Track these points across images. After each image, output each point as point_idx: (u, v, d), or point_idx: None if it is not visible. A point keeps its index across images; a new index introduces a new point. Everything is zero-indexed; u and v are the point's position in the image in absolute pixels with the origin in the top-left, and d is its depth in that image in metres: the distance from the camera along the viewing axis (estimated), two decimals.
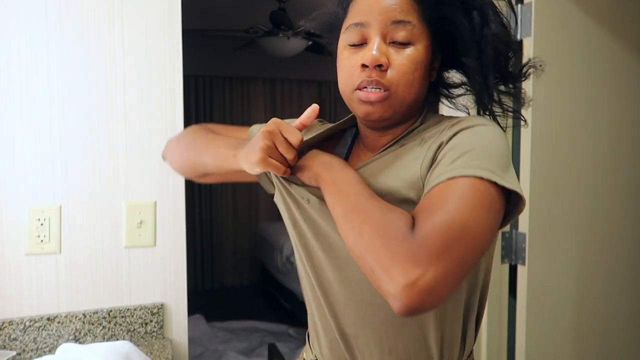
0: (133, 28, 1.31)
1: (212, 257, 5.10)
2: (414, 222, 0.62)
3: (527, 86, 1.42)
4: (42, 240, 1.26)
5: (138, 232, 1.33)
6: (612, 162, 1.59)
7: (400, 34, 0.72)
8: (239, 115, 5.12)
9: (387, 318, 0.75)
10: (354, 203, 0.67)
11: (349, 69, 0.74)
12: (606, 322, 1.62)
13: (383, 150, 0.78)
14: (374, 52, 0.71)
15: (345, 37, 0.75)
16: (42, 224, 1.25)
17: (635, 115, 1.63)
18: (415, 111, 0.79)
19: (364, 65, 0.72)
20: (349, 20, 0.76)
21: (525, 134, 1.44)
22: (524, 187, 1.46)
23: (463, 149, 0.67)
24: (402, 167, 0.73)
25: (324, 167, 0.74)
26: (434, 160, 0.70)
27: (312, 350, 0.89)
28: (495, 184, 0.63)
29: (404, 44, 0.72)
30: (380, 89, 0.72)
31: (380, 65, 0.71)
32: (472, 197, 0.63)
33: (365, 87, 0.72)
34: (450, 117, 0.77)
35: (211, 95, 4.99)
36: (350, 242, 0.64)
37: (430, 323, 0.74)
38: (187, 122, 1.19)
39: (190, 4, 1.51)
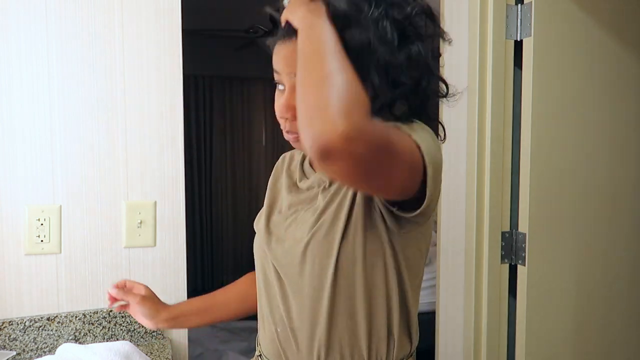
0: (133, 28, 1.31)
1: (212, 257, 5.09)
2: None
3: (528, 86, 1.42)
4: (42, 240, 1.26)
5: (138, 232, 1.33)
6: (612, 161, 1.59)
7: None
8: (239, 115, 5.12)
9: (319, 312, 0.77)
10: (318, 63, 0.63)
11: (276, 109, 0.82)
12: (606, 322, 1.62)
13: None
14: (280, 105, 0.79)
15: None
16: (42, 224, 1.25)
17: (635, 115, 1.63)
18: None
19: None
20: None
21: (525, 133, 1.44)
22: (524, 187, 1.46)
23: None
24: None
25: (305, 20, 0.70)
26: None
27: (257, 347, 0.91)
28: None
29: None
30: (295, 133, 0.79)
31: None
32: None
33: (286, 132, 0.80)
34: None
35: (211, 95, 4.99)
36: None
37: (361, 316, 0.77)
38: (187, 122, 1.19)
39: (190, 4, 1.51)
